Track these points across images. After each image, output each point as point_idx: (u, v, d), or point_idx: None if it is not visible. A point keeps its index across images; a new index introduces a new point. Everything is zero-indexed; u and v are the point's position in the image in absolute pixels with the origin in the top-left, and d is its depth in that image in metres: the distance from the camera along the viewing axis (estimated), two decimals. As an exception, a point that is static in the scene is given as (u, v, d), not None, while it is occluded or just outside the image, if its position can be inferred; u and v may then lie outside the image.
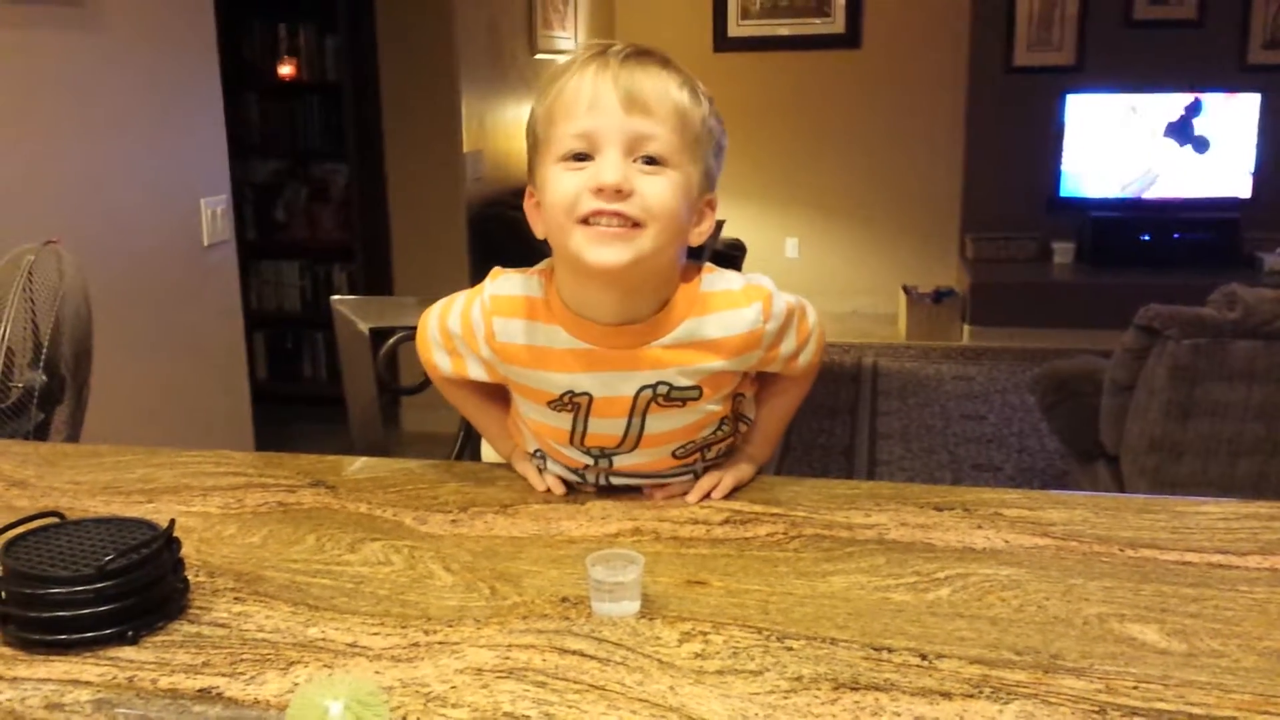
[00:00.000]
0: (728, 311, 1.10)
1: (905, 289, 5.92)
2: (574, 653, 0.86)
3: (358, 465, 1.30)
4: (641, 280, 1.06)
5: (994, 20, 5.93)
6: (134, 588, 0.89)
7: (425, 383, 1.35)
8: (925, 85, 6.17)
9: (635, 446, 1.15)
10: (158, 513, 1.14)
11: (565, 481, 1.21)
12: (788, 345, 1.16)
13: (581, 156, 1.02)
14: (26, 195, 2.16)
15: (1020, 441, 4.22)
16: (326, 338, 4.45)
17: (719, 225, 4.70)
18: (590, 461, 1.17)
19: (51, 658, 0.87)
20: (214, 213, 2.72)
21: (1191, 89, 5.72)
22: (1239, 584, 0.96)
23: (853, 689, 0.80)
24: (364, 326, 1.55)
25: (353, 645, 0.88)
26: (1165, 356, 2.65)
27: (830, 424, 4.48)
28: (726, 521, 1.11)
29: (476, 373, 1.18)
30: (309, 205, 4.55)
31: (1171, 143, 5.77)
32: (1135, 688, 0.80)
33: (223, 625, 0.92)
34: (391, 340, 1.53)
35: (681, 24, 6.34)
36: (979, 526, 1.09)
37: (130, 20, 2.43)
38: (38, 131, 2.20)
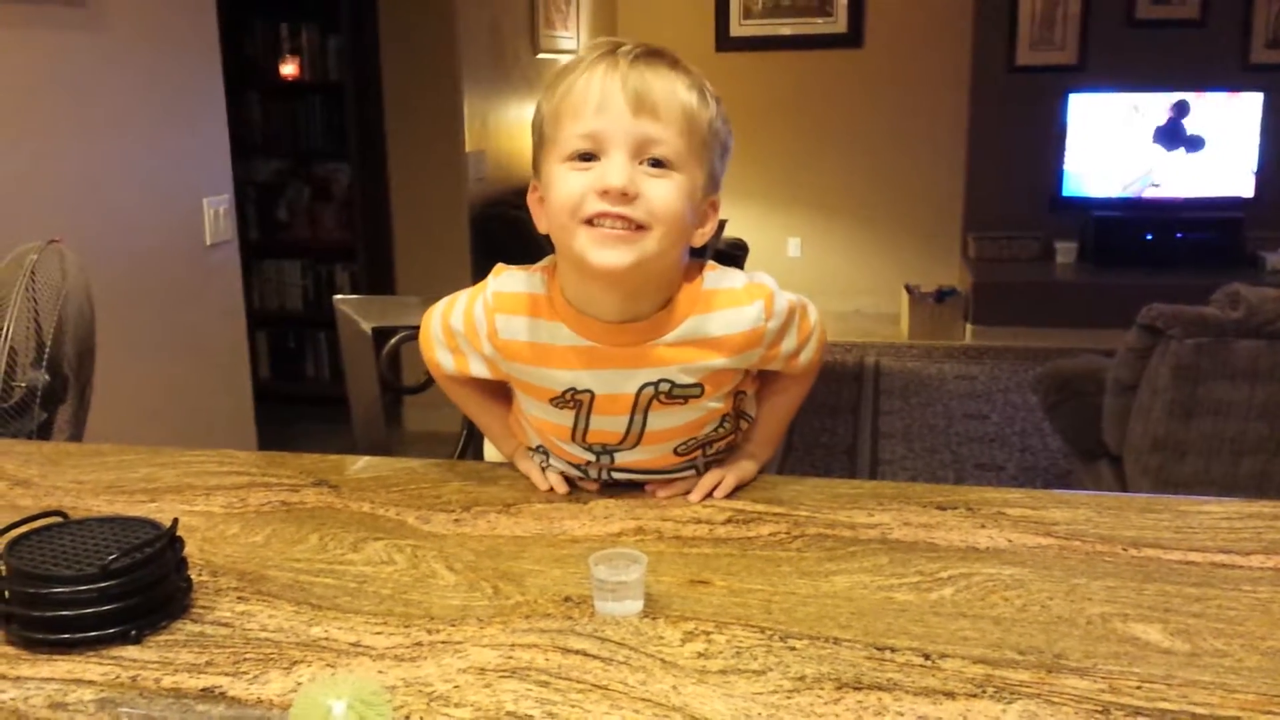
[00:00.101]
0: (730, 310, 1.10)
1: (907, 288, 5.92)
2: (577, 652, 0.86)
3: (360, 464, 1.30)
4: (644, 281, 1.06)
5: (996, 19, 5.93)
6: (137, 587, 0.89)
7: (428, 382, 1.35)
8: (927, 85, 6.17)
9: (637, 443, 1.15)
10: (161, 512, 1.14)
11: (567, 477, 1.21)
12: (789, 343, 1.16)
13: (587, 156, 1.02)
14: (29, 195, 2.16)
15: (1023, 441, 4.21)
16: (329, 337, 4.46)
17: (721, 225, 4.69)
18: (592, 458, 1.17)
19: (55, 657, 0.87)
20: (216, 212, 2.73)
21: (1194, 88, 5.71)
22: (1242, 584, 0.96)
23: (856, 689, 0.80)
24: (367, 326, 1.55)
25: (356, 645, 0.88)
26: (1168, 356, 2.65)
27: (833, 423, 4.48)
28: (729, 521, 1.11)
29: (479, 370, 1.18)
30: (311, 205, 4.56)
31: (1160, 148, 5.76)
32: (1139, 687, 0.80)
33: (226, 624, 0.92)
34: (394, 340, 1.52)
35: (683, 23, 6.34)
36: (982, 526, 1.09)
37: (133, 20, 2.43)
38: (40, 131, 2.20)
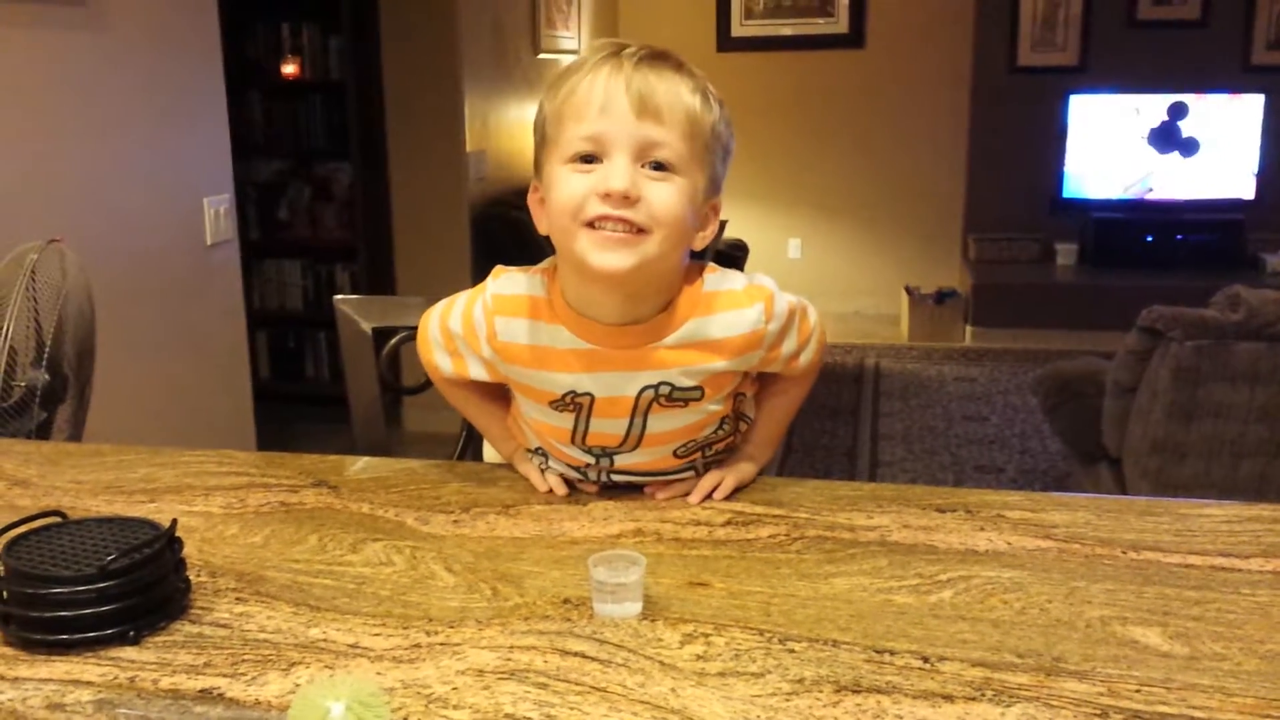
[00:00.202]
0: (730, 312, 1.10)
1: (907, 290, 5.92)
2: (575, 654, 0.86)
3: (360, 465, 1.30)
4: (645, 284, 1.06)
5: (997, 20, 5.93)
6: (136, 588, 0.89)
7: (427, 383, 1.35)
8: (928, 85, 6.17)
9: (637, 446, 1.15)
10: (160, 512, 1.14)
11: (566, 479, 1.21)
12: (789, 345, 1.16)
13: (589, 158, 1.02)
14: (30, 194, 2.16)
15: (1022, 443, 4.21)
16: (329, 337, 4.45)
17: (721, 225, 4.69)
18: (591, 460, 1.17)
19: (53, 658, 0.87)
20: (217, 212, 2.73)
21: (1195, 90, 5.71)
22: (1241, 587, 0.96)
23: (855, 691, 0.80)
24: (367, 326, 1.55)
25: (354, 646, 0.88)
26: (1168, 358, 2.65)
27: (832, 425, 4.48)
28: (728, 523, 1.11)
29: (477, 373, 1.18)
30: (312, 205, 4.56)
31: (1154, 151, 5.76)
32: (1138, 691, 0.80)
33: (224, 625, 0.92)
34: (394, 340, 1.52)
35: (685, 23, 6.34)
36: (981, 528, 1.09)
37: (134, 19, 2.43)
38: (41, 131, 2.20)
